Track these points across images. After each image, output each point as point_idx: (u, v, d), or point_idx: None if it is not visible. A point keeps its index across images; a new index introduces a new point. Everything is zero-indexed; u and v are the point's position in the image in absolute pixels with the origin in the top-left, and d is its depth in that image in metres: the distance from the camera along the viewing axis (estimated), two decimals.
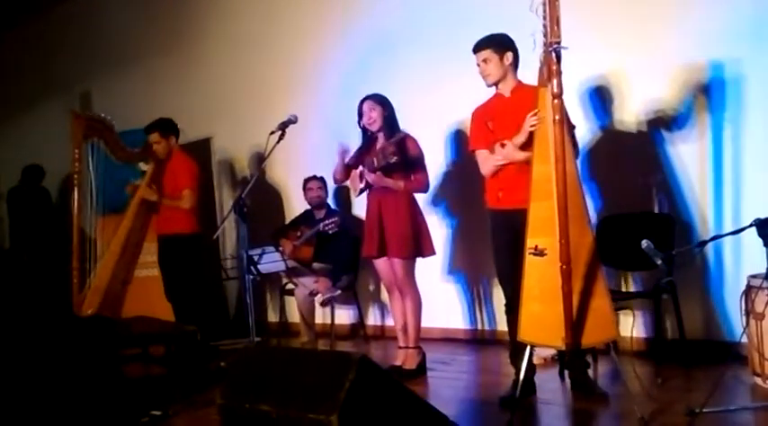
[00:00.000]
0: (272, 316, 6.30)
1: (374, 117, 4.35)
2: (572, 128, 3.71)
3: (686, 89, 4.47)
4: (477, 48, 3.73)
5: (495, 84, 3.75)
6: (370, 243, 4.39)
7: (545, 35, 3.25)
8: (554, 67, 3.21)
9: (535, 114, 3.44)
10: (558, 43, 3.17)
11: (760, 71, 4.27)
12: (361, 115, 4.39)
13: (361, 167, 4.40)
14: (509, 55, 3.68)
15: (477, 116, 3.83)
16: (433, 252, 4.42)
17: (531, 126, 3.47)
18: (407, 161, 4.26)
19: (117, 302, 5.22)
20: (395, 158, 4.15)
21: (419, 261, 4.44)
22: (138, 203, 5.29)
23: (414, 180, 4.32)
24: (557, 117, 3.22)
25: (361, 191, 4.45)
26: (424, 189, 4.39)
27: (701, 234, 4.42)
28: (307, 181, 5.64)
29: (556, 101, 3.22)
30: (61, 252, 5.24)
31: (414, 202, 4.37)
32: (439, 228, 5.34)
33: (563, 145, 3.22)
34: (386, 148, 4.20)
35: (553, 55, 3.20)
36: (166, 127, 5.30)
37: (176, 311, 5.27)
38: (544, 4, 3.20)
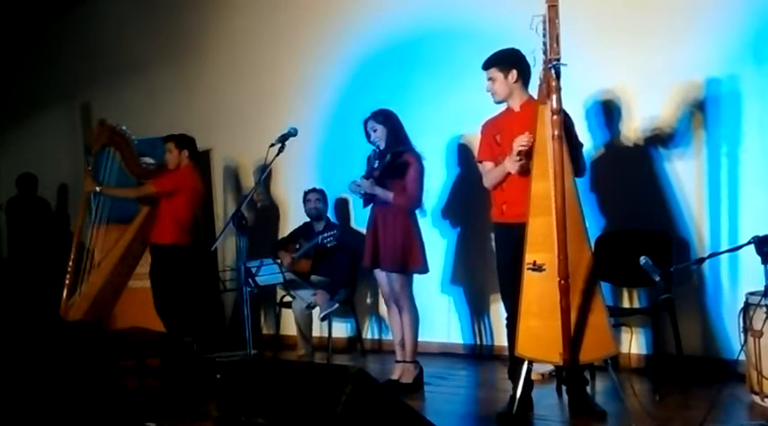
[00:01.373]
0: (269, 329, 6.27)
1: (379, 136, 4.37)
2: (579, 146, 3.73)
3: (684, 106, 4.48)
4: (484, 67, 3.77)
5: (504, 101, 3.77)
6: (367, 254, 4.41)
7: (545, 52, 3.29)
8: (553, 84, 3.24)
9: (526, 137, 3.45)
10: (558, 60, 3.20)
11: (756, 88, 4.29)
12: (368, 133, 4.41)
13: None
14: (514, 72, 3.69)
15: (486, 129, 3.86)
16: (422, 269, 4.39)
17: (521, 146, 3.48)
18: (397, 173, 4.28)
19: (105, 311, 5.21)
20: (377, 162, 4.27)
21: (419, 275, 4.43)
22: (144, 215, 5.31)
23: (404, 193, 4.32)
24: (556, 132, 3.24)
25: (366, 202, 4.46)
26: (412, 203, 4.35)
27: (697, 250, 4.42)
28: (306, 193, 5.65)
29: (555, 117, 3.24)
30: (59, 262, 5.23)
31: (410, 217, 4.36)
32: (439, 242, 5.33)
33: (562, 161, 3.23)
34: (375, 154, 4.32)
35: (552, 71, 3.23)
36: (184, 140, 5.38)
37: (165, 323, 5.24)
38: (544, 23, 3.23)
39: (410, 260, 4.32)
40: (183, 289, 5.22)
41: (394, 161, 4.30)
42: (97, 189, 5.30)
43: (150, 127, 5.62)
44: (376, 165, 4.31)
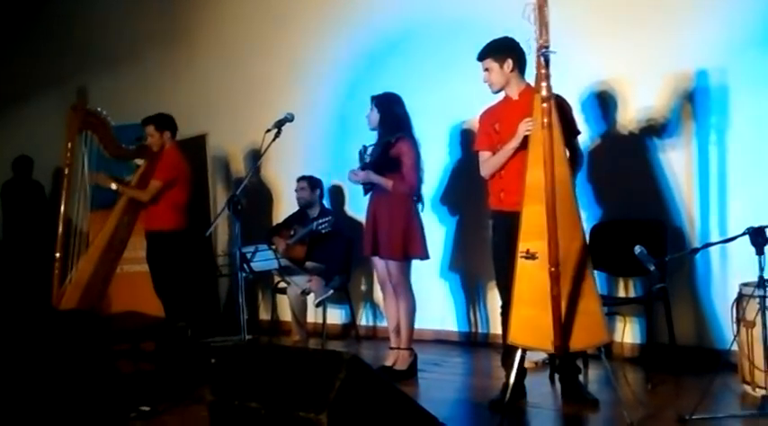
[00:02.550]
0: (264, 314, 6.28)
1: (370, 116, 4.41)
2: (575, 134, 3.72)
3: (677, 97, 4.49)
4: (479, 58, 3.76)
5: (502, 90, 3.76)
6: (366, 241, 4.41)
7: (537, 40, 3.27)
8: (542, 71, 3.23)
9: (531, 120, 3.45)
10: (547, 47, 3.19)
11: (746, 79, 4.29)
12: None
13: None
14: (509, 61, 3.68)
15: (484, 118, 3.85)
16: (423, 255, 4.40)
17: (527, 130, 3.48)
18: (393, 161, 4.27)
19: (97, 298, 5.17)
20: (369, 158, 4.25)
21: (415, 262, 4.43)
22: (126, 199, 5.26)
23: (402, 180, 4.31)
24: (545, 120, 3.24)
25: (366, 191, 4.46)
26: (410, 190, 4.35)
27: (692, 240, 4.44)
28: (296, 181, 5.64)
29: (544, 104, 3.24)
30: (52, 246, 5.19)
31: (409, 204, 4.35)
32: (436, 230, 5.33)
33: (552, 148, 3.23)
34: (366, 149, 4.31)
35: (542, 59, 3.22)
36: (163, 121, 5.30)
37: (166, 307, 5.25)
38: (534, 11, 3.22)
39: (410, 246, 4.33)
40: (183, 274, 5.21)
41: (387, 152, 4.29)
42: (113, 186, 5.23)
43: (146, 110, 5.57)
44: (368, 160, 4.30)
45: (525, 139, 3.51)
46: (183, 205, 5.26)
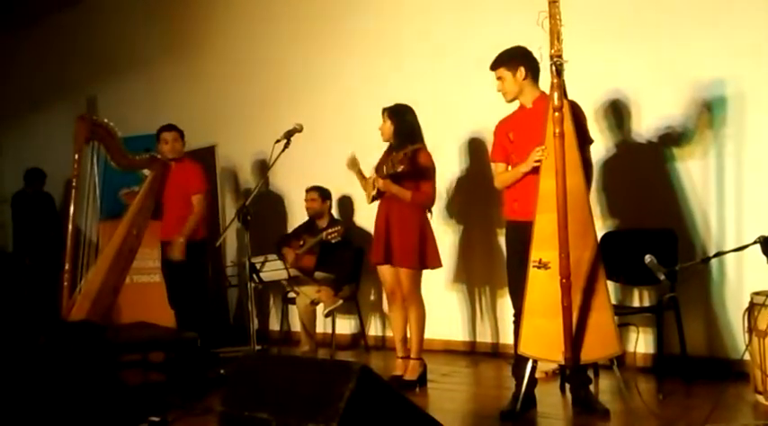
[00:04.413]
0: (274, 325, 6.29)
1: (383, 128, 4.40)
2: (587, 142, 3.71)
3: (692, 106, 4.47)
4: (492, 68, 3.76)
5: (515, 99, 3.76)
6: (377, 250, 4.39)
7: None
8: (554, 81, 3.23)
9: (543, 149, 3.43)
10: (559, 57, 3.18)
11: (761, 88, 4.27)
12: None
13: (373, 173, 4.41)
14: (522, 70, 3.66)
15: (499, 129, 3.84)
16: (438, 265, 4.42)
17: (536, 161, 3.46)
18: (416, 172, 4.26)
19: (107, 309, 5.18)
20: (401, 167, 4.13)
21: (423, 272, 4.43)
22: (136, 209, 5.28)
23: (420, 192, 4.32)
24: (557, 130, 3.23)
25: (374, 199, 4.45)
26: (429, 202, 4.37)
27: (704, 249, 4.41)
28: (306, 191, 5.65)
29: (556, 114, 3.24)
30: (62, 257, 5.21)
31: (422, 213, 4.36)
32: (443, 239, 5.32)
33: (563, 158, 3.22)
34: (395, 157, 4.19)
35: (553, 68, 3.21)
36: (182, 133, 5.38)
37: (179, 317, 5.25)
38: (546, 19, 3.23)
39: (427, 256, 4.33)
40: (199, 283, 5.22)
41: (413, 162, 4.22)
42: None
43: (155, 122, 5.62)
44: (393, 167, 4.17)
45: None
46: (205, 215, 5.29)
